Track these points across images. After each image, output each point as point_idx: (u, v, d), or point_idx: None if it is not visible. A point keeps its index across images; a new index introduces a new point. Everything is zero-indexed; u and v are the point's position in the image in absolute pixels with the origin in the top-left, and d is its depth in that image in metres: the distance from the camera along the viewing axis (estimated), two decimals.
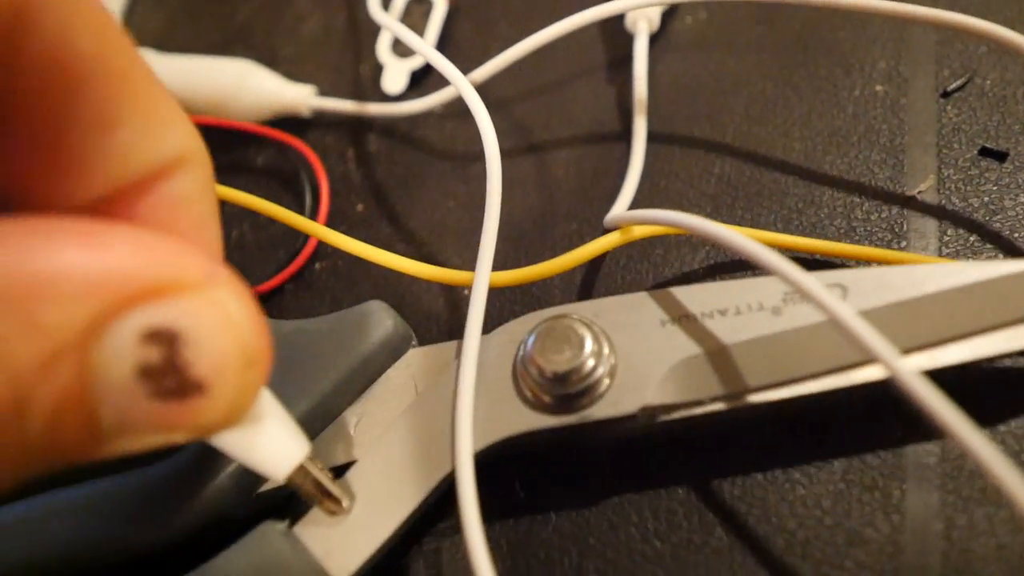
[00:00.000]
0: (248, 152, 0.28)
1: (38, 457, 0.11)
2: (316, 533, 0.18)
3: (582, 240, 0.23)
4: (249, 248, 0.26)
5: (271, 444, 0.16)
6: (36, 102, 0.12)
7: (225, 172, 0.28)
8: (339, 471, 0.18)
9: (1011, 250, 0.20)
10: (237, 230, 0.26)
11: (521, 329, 0.19)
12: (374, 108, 0.27)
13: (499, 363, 0.19)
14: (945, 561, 0.17)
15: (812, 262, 0.21)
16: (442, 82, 0.24)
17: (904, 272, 0.18)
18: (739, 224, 0.22)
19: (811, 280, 0.16)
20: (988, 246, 0.20)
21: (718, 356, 0.18)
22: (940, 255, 0.21)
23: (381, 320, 0.20)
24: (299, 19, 0.31)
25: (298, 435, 0.16)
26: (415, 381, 0.20)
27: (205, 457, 0.18)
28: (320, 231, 0.22)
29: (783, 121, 0.24)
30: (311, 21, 0.31)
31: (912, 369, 0.15)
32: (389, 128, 0.27)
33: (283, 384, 0.18)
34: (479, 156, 0.21)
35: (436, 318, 0.23)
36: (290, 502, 0.19)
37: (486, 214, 0.20)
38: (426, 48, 0.23)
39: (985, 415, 0.16)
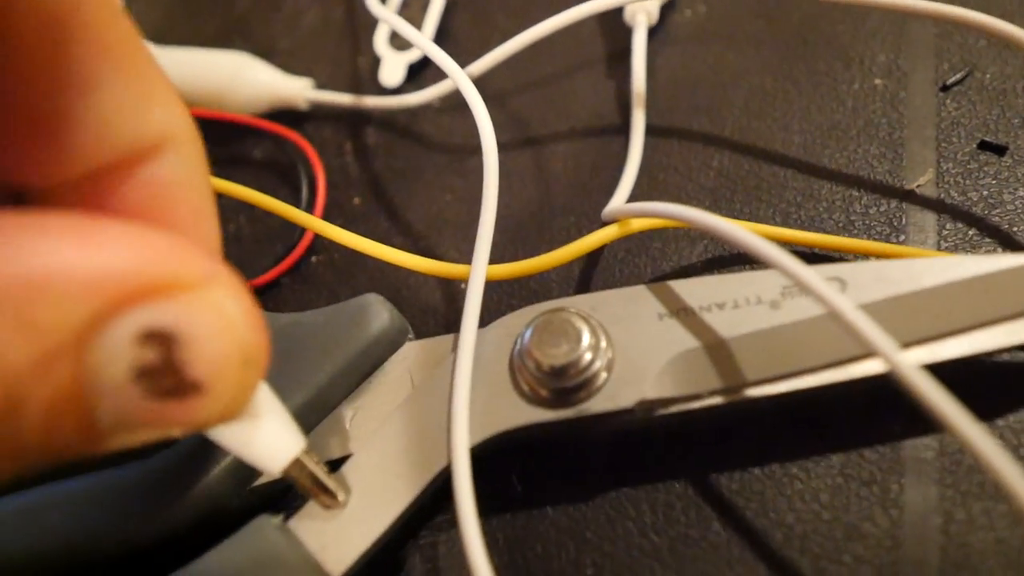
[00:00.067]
0: (245, 145, 0.28)
1: (34, 454, 0.11)
2: (311, 527, 0.17)
3: (580, 233, 0.23)
4: (246, 241, 0.26)
5: (267, 438, 0.16)
6: (7, 56, 0.12)
7: (222, 165, 0.28)
8: (335, 465, 0.18)
9: (1010, 244, 0.20)
10: (234, 223, 0.26)
11: (518, 323, 0.19)
12: (371, 101, 0.27)
13: (496, 357, 0.19)
14: (944, 555, 0.17)
15: (810, 256, 0.21)
16: (440, 75, 0.23)
17: (902, 266, 0.18)
18: (737, 218, 0.22)
19: (810, 273, 0.16)
20: (987, 240, 0.20)
21: (716, 350, 0.18)
22: (939, 249, 0.21)
23: (377, 313, 0.20)
24: (297, 12, 0.31)
25: (294, 429, 0.16)
26: (411, 375, 0.20)
27: (201, 450, 0.18)
28: (317, 224, 0.22)
29: (782, 115, 0.24)
30: (309, 14, 0.31)
31: (912, 363, 0.15)
32: (386, 121, 0.27)
33: (279, 377, 0.17)
34: (477, 149, 0.21)
35: (433, 311, 0.23)
36: (286, 496, 0.19)
37: (483, 207, 0.20)
38: (423, 41, 0.23)
39: (983, 409, 0.16)
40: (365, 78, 0.28)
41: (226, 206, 0.26)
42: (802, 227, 0.22)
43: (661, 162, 0.24)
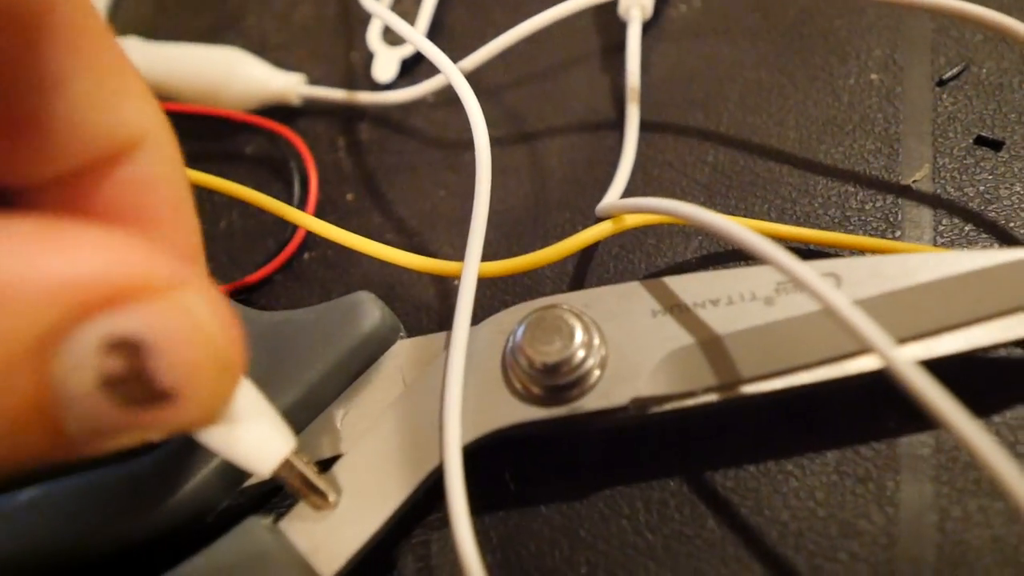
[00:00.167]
0: (237, 141, 0.28)
1: (2, 461, 0.11)
2: (302, 528, 0.17)
3: (574, 229, 0.23)
4: (238, 237, 0.26)
5: (255, 439, 0.15)
6: None
7: (214, 161, 0.27)
8: (326, 464, 0.18)
9: (1006, 239, 0.20)
10: (226, 219, 0.26)
11: (510, 320, 0.19)
12: (365, 96, 0.26)
13: (488, 354, 0.19)
14: (940, 553, 0.17)
15: (806, 252, 0.21)
16: (433, 70, 0.23)
17: (898, 261, 0.17)
18: (732, 213, 0.22)
19: (806, 269, 0.16)
20: (983, 235, 0.20)
21: (710, 346, 0.18)
22: (935, 244, 0.20)
23: (369, 311, 0.19)
24: (289, 6, 0.30)
25: (283, 429, 0.16)
26: (403, 373, 0.19)
27: (190, 451, 0.18)
28: (309, 222, 0.21)
29: (778, 110, 0.24)
30: (302, 8, 0.30)
31: (908, 359, 0.14)
32: (380, 117, 0.27)
33: (268, 376, 0.17)
34: (471, 145, 0.21)
35: (426, 308, 0.23)
36: (276, 496, 0.19)
37: (475, 204, 0.19)
38: (416, 36, 0.23)
39: (979, 405, 0.15)
40: (358, 73, 0.28)
41: (218, 202, 0.26)
42: (797, 223, 0.22)
43: (656, 157, 0.24)
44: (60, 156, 0.13)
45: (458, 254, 0.23)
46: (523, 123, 0.26)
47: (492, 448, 0.18)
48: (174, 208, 0.14)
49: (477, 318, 0.19)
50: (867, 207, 0.21)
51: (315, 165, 0.26)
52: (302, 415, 0.19)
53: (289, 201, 0.25)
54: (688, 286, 0.18)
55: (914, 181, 0.21)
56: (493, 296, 0.23)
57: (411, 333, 0.21)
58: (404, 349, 0.20)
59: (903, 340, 0.17)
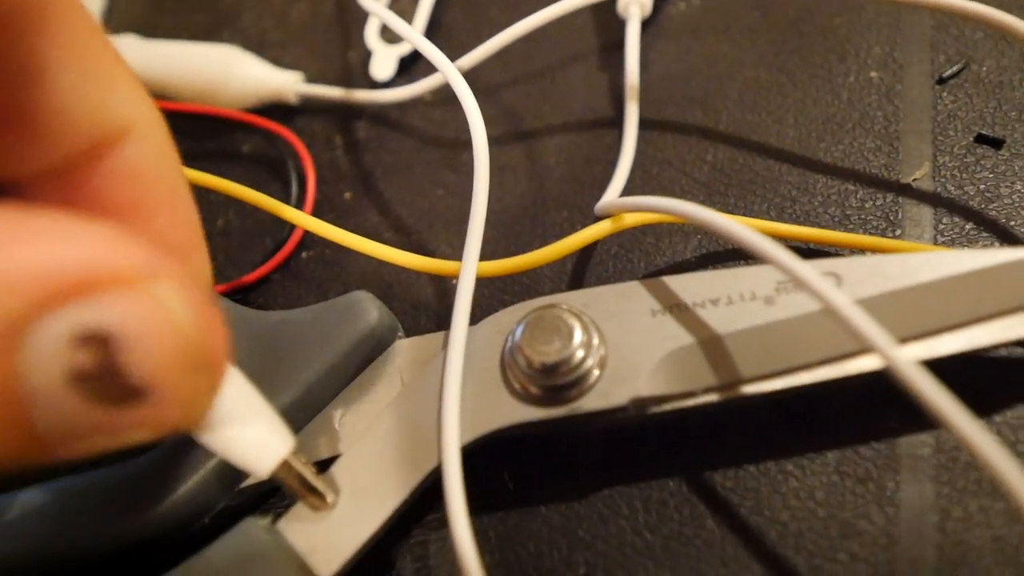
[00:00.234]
0: (234, 139, 0.27)
1: None
2: (300, 529, 0.17)
3: (573, 228, 0.23)
4: (235, 236, 0.26)
5: (254, 439, 0.15)
6: None
7: (211, 160, 0.27)
8: (323, 465, 0.18)
9: (1007, 238, 0.20)
10: (223, 218, 0.26)
11: (509, 319, 0.19)
12: (362, 95, 0.26)
13: (487, 354, 0.18)
14: (940, 553, 0.17)
15: (806, 251, 0.21)
16: (431, 69, 0.23)
17: (899, 260, 0.17)
18: (732, 212, 0.22)
19: (806, 268, 0.16)
20: (984, 234, 0.20)
21: (710, 346, 0.17)
22: (935, 243, 0.20)
23: (367, 311, 0.19)
24: (286, 4, 0.30)
25: (282, 429, 0.16)
26: (401, 373, 0.19)
27: (187, 451, 0.18)
28: (306, 221, 0.21)
29: (777, 108, 0.24)
30: (298, 7, 0.30)
31: (909, 359, 0.14)
32: (377, 115, 0.27)
33: (266, 376, 0.17)
34: (469, 143, 0.20)
35: (424, 308, 0.23)
36: (273, 497, 0.19)
37: (473, 203, 0.19)
38: (413, 35, 0.23)
39: (980, 406, 0.15)
40: (356, 72, 0.28)
41: (215, 201, 0.26)
42: (797, 222, 0.22)
43: (655, 156, 0.24)
44: (48, 147, 0.12)
45: (456, 253, 0.23)
46: (521, 122, 0.26)
47: (490, 448, 0.18)
48: (168, 196, 0.14)
49: (475, 318, 0.19)
50: (867, 205, 0.21)
51: (312, 164, 0.26)
52: (300, 415, 0.19)
53: (286, 200, 0.25)
54: (688, 285, 0.18)
55: (914, 179, 0.21)
56: (491, 295, 0.22)
57: (409, 333, 0.21)
58: (402, 349, 0.20)
59: (904, 340, 0.17)
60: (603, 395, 0.17)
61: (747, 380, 0.17)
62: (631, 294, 0.18)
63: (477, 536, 0.16)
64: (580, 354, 0.17)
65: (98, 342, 0.10)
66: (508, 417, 0.18)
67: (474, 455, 0.18)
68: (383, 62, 0.27)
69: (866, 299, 0.17)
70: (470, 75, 0.22)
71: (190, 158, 0.27)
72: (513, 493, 0.20)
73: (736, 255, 0.21)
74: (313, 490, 0.17)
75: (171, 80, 0.27)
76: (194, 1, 0.31)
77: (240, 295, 0.24)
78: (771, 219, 0.22)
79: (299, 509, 0.17)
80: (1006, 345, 0.18)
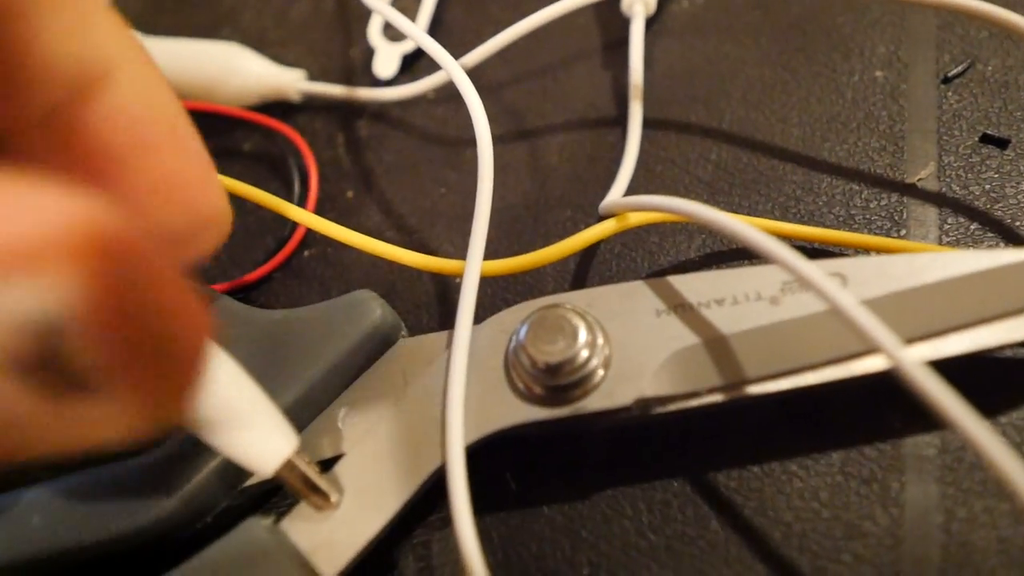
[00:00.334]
0: (235, 137, 0.27)
1: None
2: (303, 528, 0.17)
3: (576, 227, 0.23)
4: (237, 234, 0.25)
5: (258, 438, 0.15)
6: None
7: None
8: (327, 464, 0.18)
9: (1012, 238, 0.20)
10: None
11: (513, 319, 0.19)
12: (365, 93, 0.26)
13: (491, 354, 0.18)
14: (945, 554, 0.17)
15: (810, 250, 0.21)
16: (434, 66, 0.23)
17: (904, 261, 0.17)
18: (736, 211, 0.22)
19: (812, 268, 0.16)
20: (989, 234, 0.20)
21: (715, 346, 0.17)
22: (940, 243, 0.20)
23: (370, 310, 0.19)
24: (287, 2, 0.30)
25: (286, 429, 0.16)
26: (404, 372, 0.19)
27: (189, 450, 0.18)
28: (309, 219, 0.21)
29: (781, 107, 0.24)
30: (299, 4, 0.30)
31: (916, 360, 0.14)
32: (380, 113, 0.27)
33: (269, 375, 0.17)
34: (471, 142, 0.20)
35: (427, 307, 0.23)
36: (275, 496, 0.19)
37: (477, 202, 0.19)
38: (417, 32, 0.23)
39: (986, 406, 0.15)
40: (358, 69, 0.28)
41: None
42: (801, 221, 0.21)
43: (658, 154, 0.24)
44: (35, 95, 0.12)
45: (458, 252, 0.23)
46: (524, 120, 0.26)
47: (493, 447, 0.18)
48: (168, 133, 0.13)
49: (478, 317, 0.19)
50: (872, 205, 0.21)
51: (315, 162, 0.26)
52: (303, 414, 0.19)
53: (289, 198, 0.25)
54: (692, 285, 0.18)
55: (919, 179, 0.21)
56: (494, 294, 0.22)
57: (411, 331, 0.21)
58: (405, 348, 0.20)
59: (910, 340, 0.17)
60: (607, 395, 0.17)
61: (752, 380, 0.17)
62: (635, 294, 0.18)
63: (479, 536, 0.16)
64: (584, 354, 0.17)
65: (35, 324, 0.09)
66: (512, 417, 0.18)
67: (477, 454, 0.18)
68: (386, 60, 0.27)
69: (872, 299, 0.17)
70: (473, 73, 0.22)
71: None
72: (516, 493, 0.19)
73: (740, 254, 0.21)
74: (316, 490, 0.17)
75: (172, 77, 0.27)
76: None
77: (242, 294, 0.24)
78: (775, 218, 0.22)
79: (302, 509, 0.17)
80: (1011, 346, 0.18)
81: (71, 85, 0.12)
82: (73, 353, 0.09)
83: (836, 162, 0.22)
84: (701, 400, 0.18)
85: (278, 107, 0.27)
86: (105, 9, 0.12)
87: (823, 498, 0.18)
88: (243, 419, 0.15)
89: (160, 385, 0.10)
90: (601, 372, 0.18)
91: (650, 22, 0.26)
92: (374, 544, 0.17)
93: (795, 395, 0.18)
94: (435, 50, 0.22)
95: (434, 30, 0.28)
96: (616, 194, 0.22)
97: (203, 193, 0.14)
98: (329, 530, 0.17)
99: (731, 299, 0.18)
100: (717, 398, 0.18)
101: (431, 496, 0.18)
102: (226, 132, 0.27)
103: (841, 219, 0.21)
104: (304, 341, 0.19)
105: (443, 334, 0.20)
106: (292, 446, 0.16)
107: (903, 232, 0.21)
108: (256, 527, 0.17)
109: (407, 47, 0.27)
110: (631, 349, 0.18)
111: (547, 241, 0.20)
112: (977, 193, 0.21)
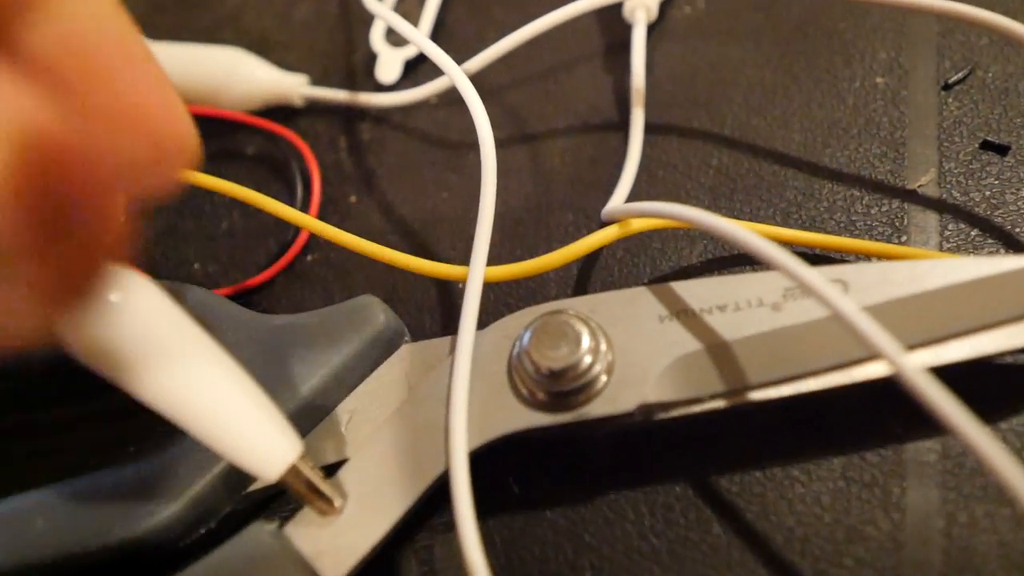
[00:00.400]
0: (239, 141, 0.27)
1: None
2: (307, 534, 0.17)
3: (578, 231, 0.23)
4: (239, 238, 0.26)
5: (262, 443, 0.15)
6: None
7: (215, 161, 0.27)
8: (330, 470, 0.18)
9: (1012, 245, 0.20)
10: (227, 220, 0.26)
11: (516, 325, 0.19)
12: (367, 98, 0.26)
13: (494, 359, 0.18)
14: (946, 558, 0.17)
15: (811, 256, 0.21)
16: (436, 71, 0.23)
17: (906, 267, 0.17)
18: (737, 217, 0.22)
19: (814, 275, 0.16)
20: (989, 240, 0.20)
21: (718, 352, 0.17)
22: (941, 249, 0.20)
23: (373, 315, 0.19)
24: (289, 5, 0.30)
25: (290, 434, 0.16)
26: (408, 377, 0.19)
27: (193, 455, 0.18)
28: (312, 223, 0.21)
29: (782, 112, 0.24)
30: (301, 8, 0.30)
31: (917, 366, 0.14)
32: (382, 118, 0.27)
33: (273, 380, 0.17)
34: (474, 146, 0.20)
35: (429, 311, 0.23)
36: (277, 500, 0.19)
37: (481, 208, 0.19)
38: (420, 38, 0.23)
39: (986, 412, 0.15)
40: (360, 74, 0.28)
41: (219, 203, 0.26)
42: (803, 227, 0.22)
43: (660, 159, 0.24)
44: None
45: (461, 256, 0.23)
46: (525, 124, 0.26)
47: (495, 451, 0.18)
48: (123, 57, 0.12)
49: (480, 322, 0.19)
50: (873, 211, 0.21)
51: (317, 166, 0.26)
52: (307, 419, 0.19)
53: (291, 202, 0.25)
54: (695, 291, 0.18)
55: (920, 186, 0.21)
56: (496, 299, 0.22)
57: (413, 335, 0.21)
58: (408, 353, 0.20)
59: (911, 347, 0.17)
60: (610, 401, 0.17)
61: (754, 386, 0.17)
62: (638, 299, 0.18)
63: (482, 540, 0.16)
64: (588, 360, 0.17)
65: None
66: (515, 422, 0.18)
67: (479, 458, 0.18)
68: (388, 65, 0.27)
69: (873, 306, 0.17)
70: (475, 77, 0.22)
71: None
72: (518, 497, 0.20)
73: (741, 260, 0.21)
74: (321, 495, 0.17)
75: (175, 82, 0.27)
76: (196, 2, 0.31)
77: (244, 298, 0.24)
78: (776, 224, 0.22)
79: (306, 514, 0.17)
80: (1012, 352, 0.18)
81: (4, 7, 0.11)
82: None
83: (837, 168, 0.22)
84: (704, 406, 0.18)
85: (281, 111, 0.27)
86: None
87: (825, 503, 0.18)
88: (248, 424, 0.15)
89: (67, 272, 0.11)
90: (604, 378, 0.18)
91: (652, 27, 0.26)
92: (378, 549, 0.17)
93: (797, 401, 0.18)
94: (438, 56, 0.22)
95: (436, 34, 0.28)
96: (618, 199, 0.22)
97: (165, 122, 0.14)
98: (333, 535, 0.17)
99: (733, 305, 0.18)
100: (719, 404, 0.18)
101: (434, 500, 0.18)
102: (229, 136, 0.27)
103: (842, 225, 0.21)
104: (308, 346, 0.19)
105: (446, 339, 0.20)
106: (297, 451, 0.16)
107: (904, 238, 0.21)
108: (260, 532, 0.17)
109: (409, 52, 0.27)
110: (634, 355, 0.18)
111: (549, 245, 0.21)
112: (977, 199, 0.21)
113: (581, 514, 0.19)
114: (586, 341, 0.18)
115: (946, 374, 0.15)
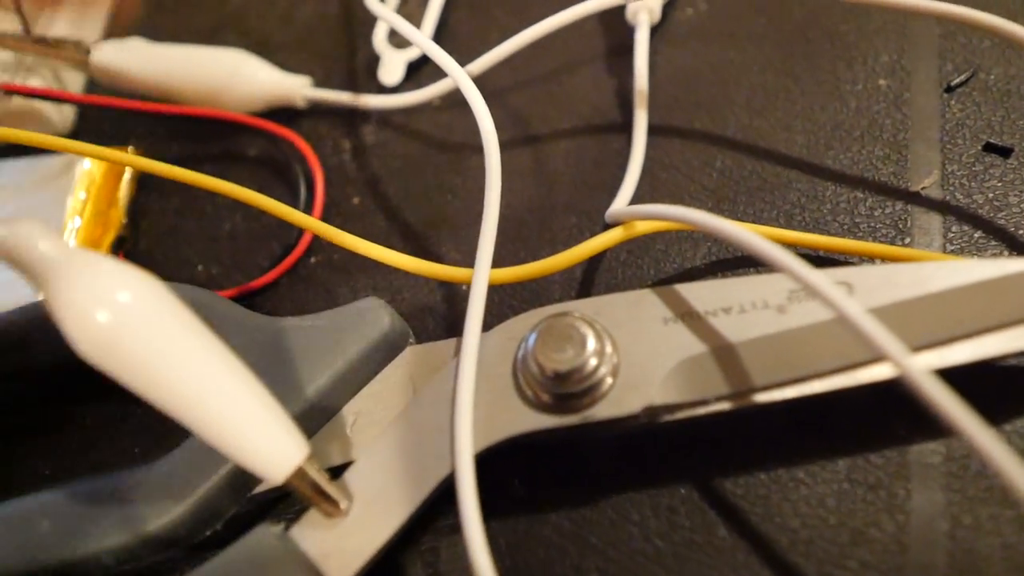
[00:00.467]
0: (241, 143, 0.27)
1: None
2: (313, 536, 0.17)
3: (582, 233, 0.23)
4: (242, 240, 0.26)
5: (269, 445, 0.15)
6: None
7: (217, 163, 0.27)
8: (336, 472, 0.18)
9: (1016, 247, 0.20)
10: (230, 222, 0.26)
11: (521, 327, 0.19)
12: (370, 99, 0.26)
13: (499, 362, 0.18)
14: (951, 561, 0.17)
15: (815, 258, 0.21)
16: (439, 73, 0.23)
17: (910, 270, 0.17)
18: (740, 219, 0.22)
19: (819, 277, 0.16)
20: (993, 242, 0.20)
21: (722, 355, 0.17)
22: (944, 252, 0.20)
23: (378, 317, 0.19)
24: (292, 6, 0.30)
25: (297, 436, 0.16)
26: (413, 380, 0.19)
27: (199, 456, 0.18)
28: (316, 225, 0.21)
29: (785, 114, 0.24)
30: (305, 8, 0.30)
31: (923, 368, 0.14)
32: (386, 119, 0.27)
33: (278, 382, 0.17)
34: (477, 148, 0.20)
35: (433, 313, 0.23)
36: (283, 503, 0.19)
37: (485, 210, 0.19)
38: (423, 40, 0.23)
39: (990, 414, 0.15)
40: (363, 75, 0.28)
41: (222, 205, 0.26)
42: (806, 229, 0.22)
43: (663, 161, 0.24)
44: None
45: (464, 258, 0.23)
46: (529, 126, 0.26)
47: (501, 453, 0.18)
48: None
49: (485, 324, 0.19)
50: (876, 213, 0.21)
51: (321, 168, 0.26)
52: (312, 422, 0.19)
53: (295, 204, 0.25)
54: (700, 293, 0.18)
55: (923, 188, 0.21)
56: (500, 301, 0.22)
57: (418, 338, 0.21)
58: (413, 355, 0.20)
59: (916, 349, 0.17)
60: (615, 403, 0.17)
61: (759, 389, 0.17)
62: (643, 302, 0.18)
63: (488, 542, 0.16)
64: (593, 362, 0.17)
65: None
66: (520, 425, 0.18)
67: (485, 461, 0.18)
68: (392, 67, 0.27)
69: (878, 308, 0.17)
70: (478, 79, 0.22)
71: (197, 161, 0.27)
72: (523, 498, 0.20)
73: (746, 262, 0.21)
74: (327, 497, 0.17)
75: (178, 83, 0.27)
76: (198, 2, 0.31)
77: (247, 300, 0.24)
78: (780, 226, 0.22)
79: (312, 516, 0.17)
80: (1016, 354, 0.18)
81: None
82: None
83: (840, 170, 0.22)
84: (709, 408, 0.18)
85: (284, 113, 0.27)
86: None
87: (829, 505, 0.18)
88: (254, 426, 0.15)
89: None
90: (609, 380, 0.18)
91: (655, 29, 0.26)
92: (384, 551, 0.17)
93: (801, 403, 0.18)
94: (441, 57, 0.22)
95: (439, 36, 0.28)
96: (622, 202, 0.22)
97: None
98: (339, 537, 0.17)
99: (738, 307, 0.18)
100: (724, 406, 0.18)
101: (439, 502, 0.18)
102: (232, 138, 0.27)
103: (846, 227, 0.21)
104: (314, 348, 0.19)
105: (451, 341, 0.20)
106: (303, 453, 0.16)
107: (907, 240, 0.21)
108: (266, 534, 0.17)
109: (412, 54, 0.27)
110: (639, 357, 0.18)
111: (553, 247, 0.21)
112: (981, 202, 0.21)
113: (586, 516, 0.19)
114: (591, 343, 0.18)
115: (951, 376, 0.15)
